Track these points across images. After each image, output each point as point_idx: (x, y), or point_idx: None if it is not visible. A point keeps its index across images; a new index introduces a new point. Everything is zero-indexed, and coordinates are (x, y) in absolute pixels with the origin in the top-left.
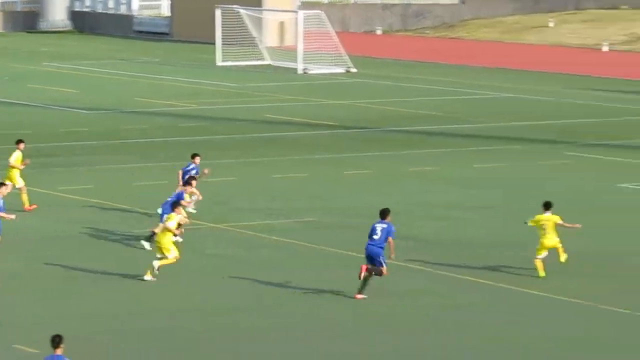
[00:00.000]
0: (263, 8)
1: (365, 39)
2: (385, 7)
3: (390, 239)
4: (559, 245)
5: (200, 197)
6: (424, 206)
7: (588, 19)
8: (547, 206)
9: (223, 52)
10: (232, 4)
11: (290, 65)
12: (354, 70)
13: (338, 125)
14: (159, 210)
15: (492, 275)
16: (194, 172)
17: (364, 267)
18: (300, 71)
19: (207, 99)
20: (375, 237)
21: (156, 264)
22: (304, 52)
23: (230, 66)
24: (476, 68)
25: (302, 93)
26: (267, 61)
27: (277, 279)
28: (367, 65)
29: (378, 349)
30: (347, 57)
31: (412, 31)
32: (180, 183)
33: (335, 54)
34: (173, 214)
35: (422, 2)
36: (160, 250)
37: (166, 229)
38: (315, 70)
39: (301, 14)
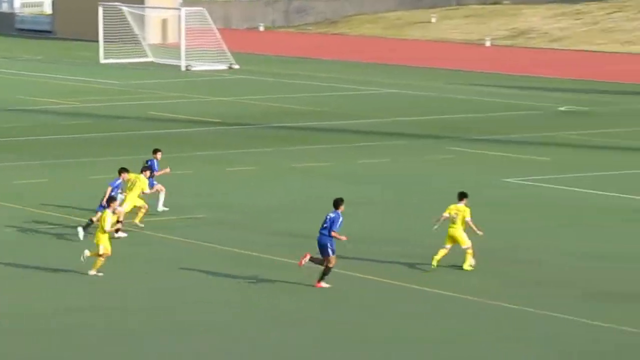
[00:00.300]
0: (145, 5)
1: (248, 36)
2: (267, 3)
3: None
4: (465, 244)
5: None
6: (308, 202)
7: (470, 15)
8: (461, 197)
9: (106, 50)
10: (115, 2)
11: (173, 62)
12: (236, 66)
13: (221, 121)
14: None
15: (377, 270)
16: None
17: (307, 254)
18: (183, 68)
19: (90, 97)
20: (325, 226)
21: (86, 252)
22: (187, 49)
23: (114, 64)
24: (359, 64)
25: (186, 90)
26: (150, 58)
27: (159, 277)
28: (250, 61)
29: (259, 346)
30: (229, 54)
31: (295, 27)
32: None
33: (217, 50)
34: (108, 211)
35: None
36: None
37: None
38: (198, 67)
39: (183, 11)
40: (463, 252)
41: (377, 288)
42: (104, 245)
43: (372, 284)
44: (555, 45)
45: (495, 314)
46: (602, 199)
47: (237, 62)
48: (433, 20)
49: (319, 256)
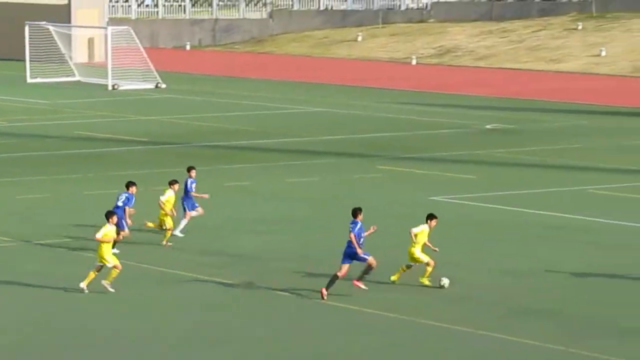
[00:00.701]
0: (72, 25)
1: (175, 55)
2: (194, 22)
3: (351, 234)
4: (421, 260)
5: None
6: (237, 221)
7: (396, 33)
8: (429, 218)
9: (32, 69)
10: (41, 21)
11: (100, 81)
12: (163, 85)
13: (149, 141)
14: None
15: (300, 288)
16: (194, 185)
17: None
18: (110, 87)
19: (17, 116)
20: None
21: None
22: (114, 68)
23: (40, 83)
24: (286, 82)
25: (112, 109)
26: (77, 77)
27: (86, 295)
28: (177, 80)
29: None
30: (156, 73)
31: (222, 46)
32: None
33: (144, 69)
34: (107, 224)
35: (230, 17)
36: (100, 260)
37: (101, 240)
38: (125, 86)
39: (110, 30)
40: (423, 267)
41: (301, 305)
42: (111, 258)
43: (294, 301)
44: (481, 64)
45: (420, 331)
46: (526, 217)
47: (164, 81)
48: (359, 38)
49: (365, 269)
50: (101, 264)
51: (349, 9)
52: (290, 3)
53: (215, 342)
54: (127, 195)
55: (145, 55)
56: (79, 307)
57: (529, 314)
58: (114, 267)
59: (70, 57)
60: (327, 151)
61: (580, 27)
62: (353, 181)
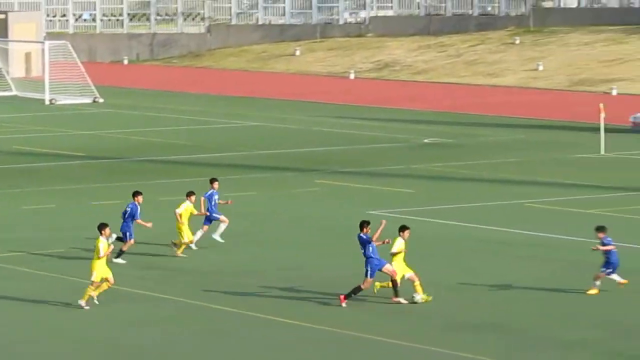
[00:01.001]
0: (9, 39)
1: (112, 69)
2: (131, 36)
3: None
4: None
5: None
6: (173, 235)
7: (334, 47)
8: (401, 229)
9: None
10: None
11: (37, 96)
12: (101, 100)
13: (86, 155)
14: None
15: (239, 302)
16: (216, 197)
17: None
18: (47, 102)
19: None
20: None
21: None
22: (51, 82)
23: None
24: (224, 97)
25: (50, 124)
26: (14, 92)
27: (22, 311)
28: (115, 95)
29: None
30: (93, 88)
31: (160, 60)
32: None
33: (82, 84)
34: (101, 238)
35: (168, 32)
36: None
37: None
38: (62, 100)
39: (47, 44)
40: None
41: (246, 320)
42: (97, 271)
43: (225, 314)
44: (419, 78)
45: (365, 347)
46: (464, 230)
47: (102, 96)
48: (297, 53)
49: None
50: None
51: (287, 23)
52: (228, 17)
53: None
54: (131, 205)
55: (82, 69)
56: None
57: (468, 328)
58: (94, 282)
59: (7, 72)
60: (265, 166)
61: (517, 42)
62: (291, 196)
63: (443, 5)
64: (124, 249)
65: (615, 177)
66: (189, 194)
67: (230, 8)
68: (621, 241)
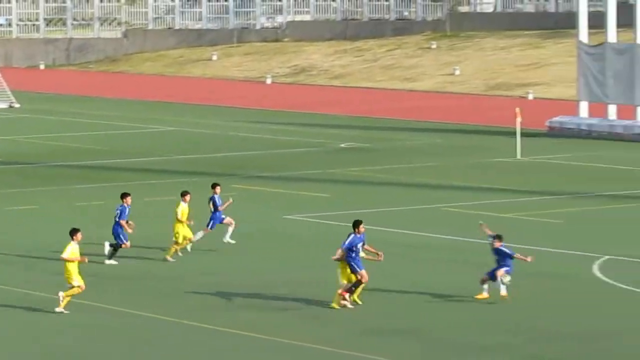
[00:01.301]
0: None
1: (29, 74)
2: (48, 41)
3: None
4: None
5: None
6: (96, 241)
7: (251, 52)
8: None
9: None
10: None
11: None
12: (17, 105)
13: (2, 160)
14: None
15: (160, 308)
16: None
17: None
18: None
19: None
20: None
21: (61, 294)
22: None
23: None
24: (141, 102)
25: None
26: None
27: None
28: (31, 100)
29: None
30: (10, 93)
31: (76, 65)
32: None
33: None
34: (72, 242)
35: (85, 37)
36: (66, 279)
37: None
38: None
39: None
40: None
41: (156, 326)
42: (77, 278)
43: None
44: (336, 82)
45: (281, 352)
46: (379, 235)
47: (18, 101)
48: (214, 57)
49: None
50: (70, 284)
51: (204, 28)
52: (145, 22)
53: None
54: (120, 208)
55: None
56: None
57: (386, 333)
58: (78, 286)
59: None
60: (182, 170)
61: (434, 46)
62: (207, 200)
63: (360, 10)
64: (125, 246)
65: (531, 181)
66: (184, 193)
67: (147, 13)
68: (537, 245)
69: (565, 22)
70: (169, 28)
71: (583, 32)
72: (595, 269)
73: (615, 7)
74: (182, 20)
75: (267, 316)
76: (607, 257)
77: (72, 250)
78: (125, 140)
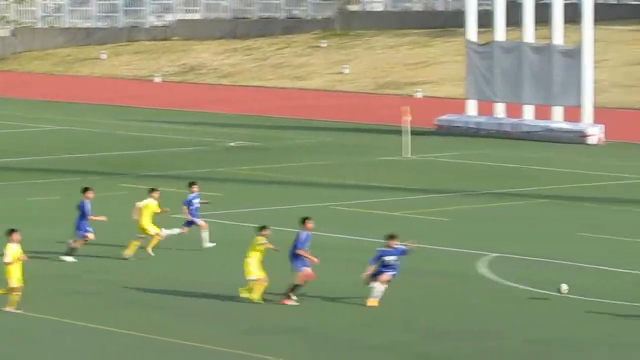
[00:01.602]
0: None
1: None
2: None
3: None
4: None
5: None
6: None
7: (141, 51)
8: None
9: None
10: None
11: None
12: None
13: None
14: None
15: (51, 309)
16: (197, 200)
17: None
18: None
19: None
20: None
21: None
22: None
23: None
24: (29, 101)
25: None
26: None
27: None
28: None
29: None
30: None
31: None
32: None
33: None
34: (8, 244)
35: None
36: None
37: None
38: None
39: None
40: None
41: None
42: (14, 279)
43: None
44: (225, 81)
45: (162, 351)
46: (272, 233)
47: None
48: (103, 56)
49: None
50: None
51: (93, 26)
52: (34, 21)
53: None
54: (82, 203)
55: None
56: None
57: (272, 331)
58: (17, 287)
59: None
60: (70, 169)
61: (324, 45)
62: (96, 200)
63: (250, 8)
64: (75, 246)
65: (420, 179)
66: (152, 190)
67: (35, 11)
68: (425, 243)
69: (454, 21)
70: (54, 27)
71: (472, 30)
72: (482, 267)
73: (504, 6)
74: (72, 18)
75: (150, 316)
76: (494, 254)
77: (12, 254)
78: (10, 139)
